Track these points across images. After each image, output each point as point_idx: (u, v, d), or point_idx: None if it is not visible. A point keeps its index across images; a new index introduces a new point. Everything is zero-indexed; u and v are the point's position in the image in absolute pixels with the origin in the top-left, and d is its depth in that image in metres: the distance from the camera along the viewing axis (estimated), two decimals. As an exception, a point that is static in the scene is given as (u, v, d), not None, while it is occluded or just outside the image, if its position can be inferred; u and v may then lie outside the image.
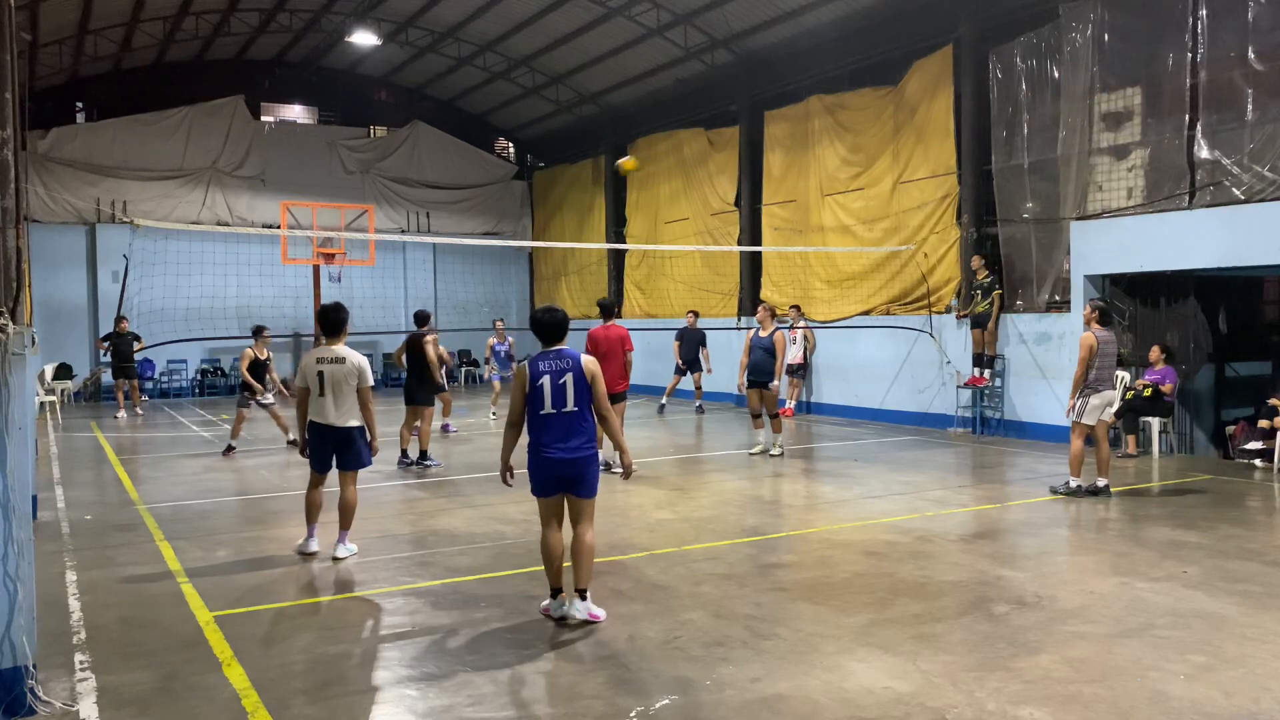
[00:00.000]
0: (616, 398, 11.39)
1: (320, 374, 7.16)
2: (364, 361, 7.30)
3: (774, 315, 12.51)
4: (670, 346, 19.02)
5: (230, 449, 13.24)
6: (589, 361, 5.80)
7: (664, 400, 18.74)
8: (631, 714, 4.42)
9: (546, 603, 5.88)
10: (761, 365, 12.10)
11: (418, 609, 6.09)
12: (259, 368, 13.60)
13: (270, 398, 13.70)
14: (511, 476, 5.89)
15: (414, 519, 8.83)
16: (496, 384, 17.70)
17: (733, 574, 6.77)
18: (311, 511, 7.48)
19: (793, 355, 17.02)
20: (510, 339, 18.11)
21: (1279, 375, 12.38)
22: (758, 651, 5.20)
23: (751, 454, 12.48)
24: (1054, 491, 9.62)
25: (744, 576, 6.71)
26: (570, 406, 5.70)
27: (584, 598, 5.76)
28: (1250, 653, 5.10)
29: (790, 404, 17.33)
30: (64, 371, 21.02)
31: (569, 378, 5.69)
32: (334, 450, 7.31)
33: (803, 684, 4.75)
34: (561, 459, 5.67)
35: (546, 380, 5.68)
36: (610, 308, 11.84)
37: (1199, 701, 4.47)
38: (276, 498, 10.11)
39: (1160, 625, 5.57)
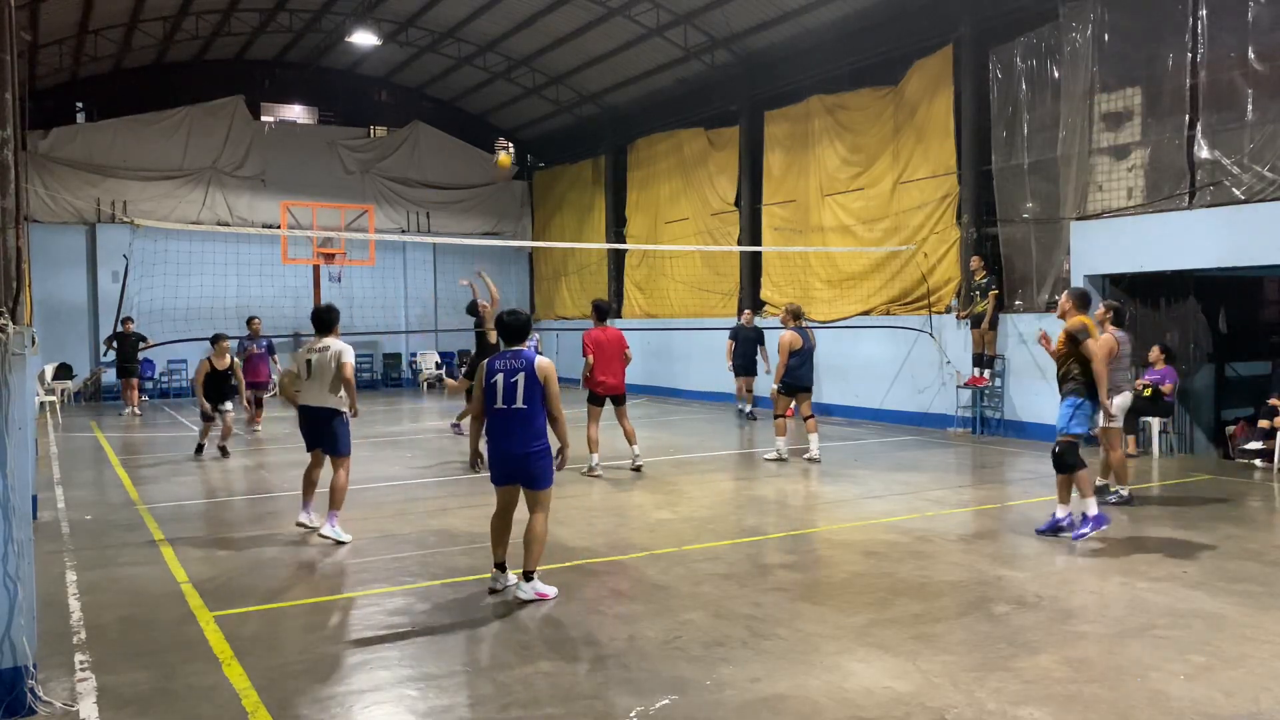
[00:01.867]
0: (619, 399, 11.38)
1: (308, 361, 7.91)
2: (346, 348, 7.92)
3: (796, 316, 12.10)
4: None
5: (225, 451, 12.91)
6: (543, 363, 6.14)
7: (748, 406, 17.05)
8: (631, 714, 4.42)
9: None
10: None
11: (418, 609, 6.09)
12: (219, 380, 12.82)
13: (229, 405, 12.97)
14: (482, 462, 6.41)
15: (414, 519, 8.83)
16: None
17: (733, 574, 6.77)
18: (304, 487, 8.21)
19: None
20: (538, 336, 17.32)
21: (1278, 375, 12.37)
22: (758, 651, 5.19)
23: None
24: (1113, 500, 9.03)
25: (744, 576, 6.71)
26: (519, 404, 6.07)
27: (529, 579, 6.15)
28: (1250, 653, 5.10)
29: (791, 404, 17.18)
30: (64, 371, 21.03)
31: (521, 377, 6.07)
32: (318, 427, 7.94)
33: (803, 684, 4.75)
34: (508, 453, 6.11)
35: (500, 378, 6.09)
36: (606, 310, 11.83)
37: (1199, 701, 4.47)
38: (277, 498, 10.12)
39: (1160, 625, 5.58)
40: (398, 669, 5.05)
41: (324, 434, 7.91)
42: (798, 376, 11.97)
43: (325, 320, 8.08)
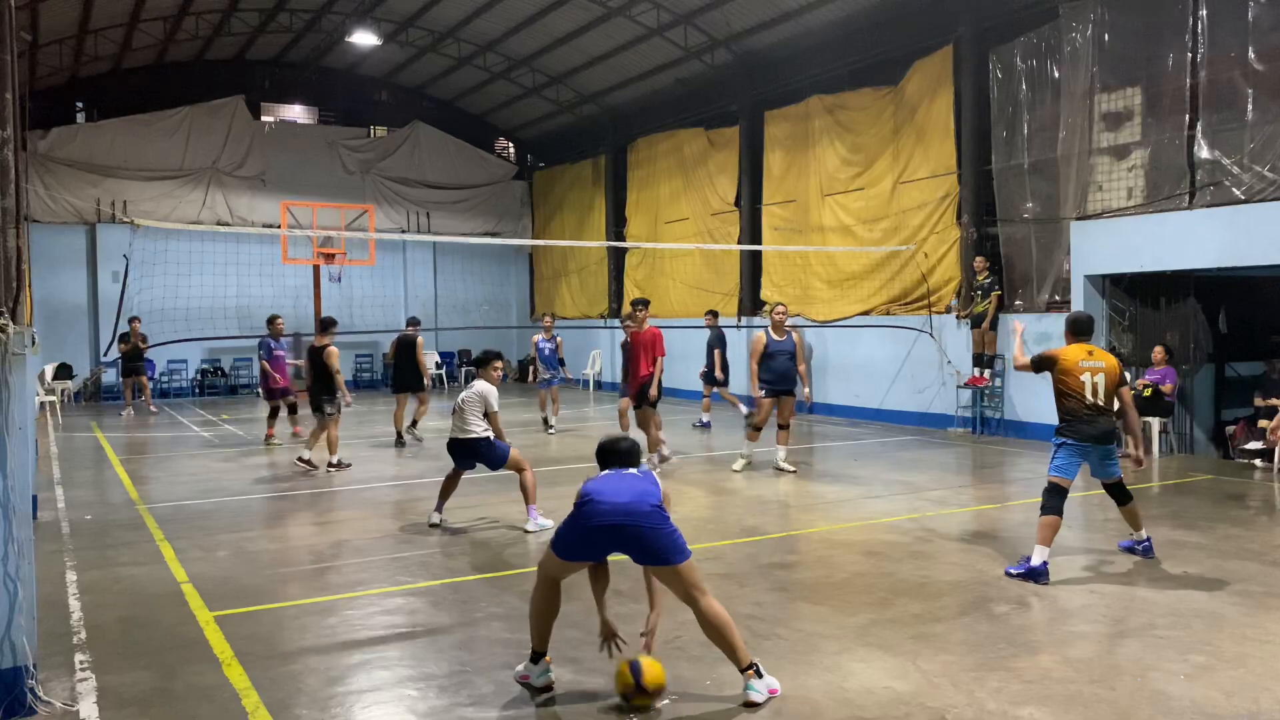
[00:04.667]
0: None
1: (461, 400, 8.31)
2: (491, 391, 8.31)
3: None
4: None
5: (341, 464, 11.57)
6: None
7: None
8: (632, 715, 4.42)
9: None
10: (788, 372, 11.04)
11: (418, 609, 6.09)
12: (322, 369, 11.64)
13: (329, 408, 11.68)
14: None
15: (414, 519, 8.83)
16: (552, 389, 15.65)
17: (733, 574, 6.77)
18: (443, 490, 8.57)
19: None
20: (558, 337, 16.08)
21: (1268, 376, 12.32)
22: (758, 651, 5.18)
23: (736, 469, 11.37)
24: None
25: (744, 576, 6.71)
26: None
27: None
28: (1250, 653, 5.10)
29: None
30: (64, 371, 21.04)
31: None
32: (467, 457, 8.35)
33: (803, 684, 4.75)
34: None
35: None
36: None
37: (1199, 701, 4.48)
38: (277, 498, 10.12)
39: (1160, 625, 5.58)
40: (398, 669, 5.05)
41: (478, 458, 8.30)
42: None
43: (479, 361, 8.56)
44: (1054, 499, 6.74)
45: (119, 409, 19.32)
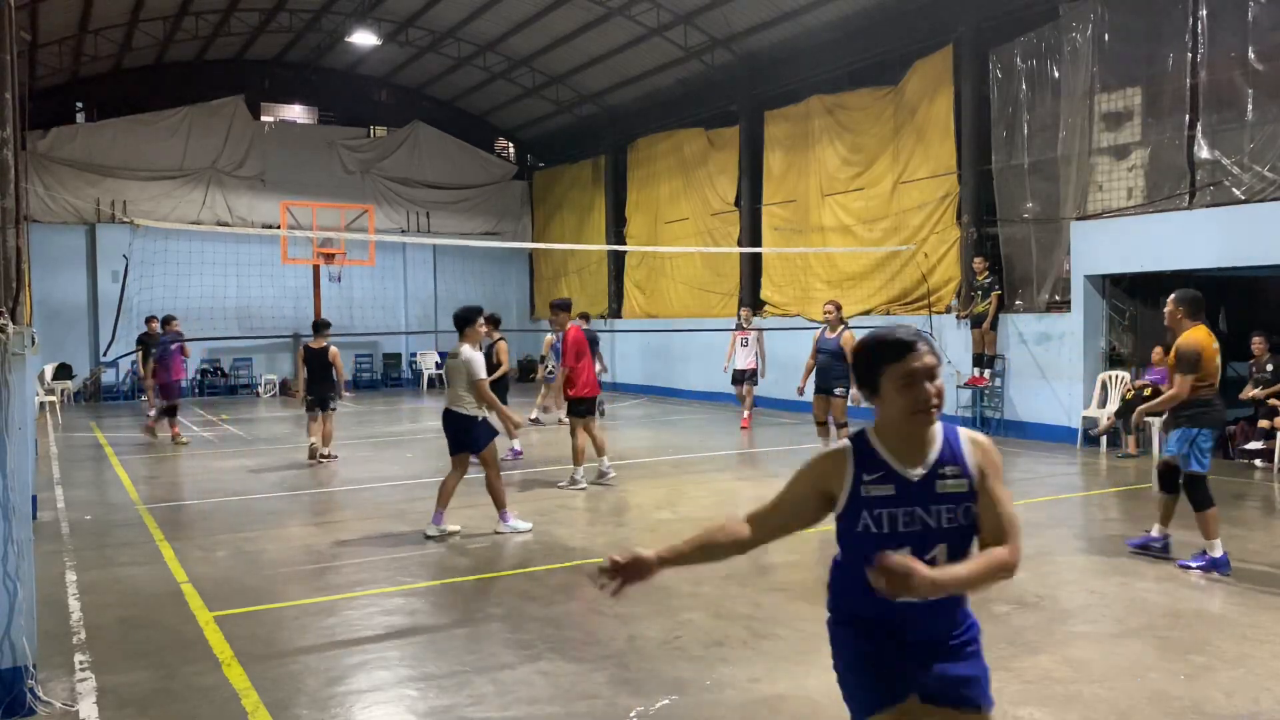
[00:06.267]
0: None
1: (445, 367, 8.05)
2: (476, 358, 7.77)
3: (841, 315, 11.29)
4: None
5: (330, 456, 12.20)
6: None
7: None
8: (631, 714, 4.42)
9: None
10: (829, 370, 10.94)
11: (418, 609, 6.09)
12: (319, 366, 11.97)
13: (333, 404, 12.08)
14: None
15: (414, 519, 8.82)
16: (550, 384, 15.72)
17: (733, 574, 6.76)
18: (440, 495, 8.02)
19: (745, 360, 15.70)
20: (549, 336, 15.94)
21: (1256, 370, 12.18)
22: (758, 651, 5.19)
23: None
24: None
25: (744, 576, 6.70)
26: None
27: None
28: (1250, 653, 5.10)
29: (746, 413, 15.76)
30: (64, 371, 21.03)
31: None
32: (454, 432, 7.88)
33: (803, 684, 4.75)
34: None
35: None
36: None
37: (1199, 701, 4.47)
38: (276, 498, 10.12)
39: (1160, 625, 5.58)
40: (398, 669, 5.05)
41: (462, 437, 7.88)
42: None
43: (458, 320, 7.97)
44: (1207, 491, 6.71)
45: (145, 412, 18.70)
